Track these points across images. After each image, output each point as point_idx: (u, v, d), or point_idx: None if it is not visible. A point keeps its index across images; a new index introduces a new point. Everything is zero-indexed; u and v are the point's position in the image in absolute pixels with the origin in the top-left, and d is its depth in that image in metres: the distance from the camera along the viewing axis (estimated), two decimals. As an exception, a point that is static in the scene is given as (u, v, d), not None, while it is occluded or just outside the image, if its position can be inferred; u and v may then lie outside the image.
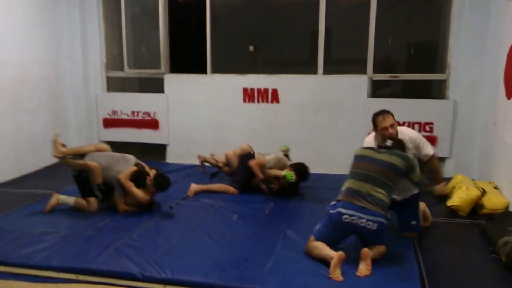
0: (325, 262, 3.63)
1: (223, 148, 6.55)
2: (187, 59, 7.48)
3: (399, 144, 4.15)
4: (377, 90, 6.80)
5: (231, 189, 5.66)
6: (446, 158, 6.42)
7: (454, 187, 5.12)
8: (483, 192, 4.87)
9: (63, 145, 4.98)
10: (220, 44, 7.33)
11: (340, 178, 5.78)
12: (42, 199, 5.29)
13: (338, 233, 3.78)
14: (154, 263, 3.71)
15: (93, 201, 4.93)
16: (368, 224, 3.60)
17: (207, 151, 6.83)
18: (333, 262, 3.48)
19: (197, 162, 6.69)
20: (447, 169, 6.40)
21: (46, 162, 6.88)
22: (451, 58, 6.30)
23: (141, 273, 3.56)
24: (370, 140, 4.45)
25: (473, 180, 5.41)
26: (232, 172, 5.96)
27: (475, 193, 4.82)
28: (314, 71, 6.78)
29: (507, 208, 4.68)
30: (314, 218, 4.78)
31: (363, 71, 6.63)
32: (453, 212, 4.88)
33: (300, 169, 5.43)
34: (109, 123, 7.59)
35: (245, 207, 5.13)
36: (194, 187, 5.61)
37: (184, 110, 7.26)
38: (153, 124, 7.40)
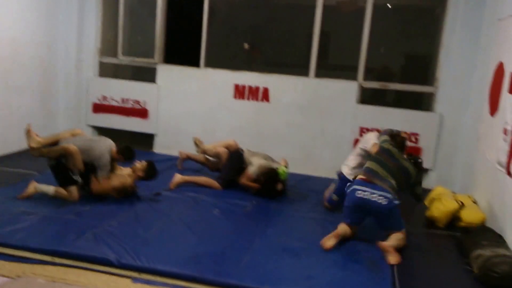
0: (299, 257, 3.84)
1: (211, 140, 6.57)
2: (181, 51, 7.49)
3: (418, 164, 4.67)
4: (373, 96, 6.90)
5: (215, 184, 5.68)
6: (430, 169, 6.52)
7: (433, 199, 5.21)
8: (461, 205, 4.96)
9: (37, 135, 4.83)
10: (216, 39, 7.36)
11: (324, 181, 5.97)
12: (24, 178, 5.29)
13: (355, 211, 4.18)
14: (131, 251, 3.72)
15: (74, 189, 4.78)
16: (379, 199, 4.03)
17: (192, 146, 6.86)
18: (333, 232, 3.93)
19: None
20: (430, 181, 6.49)
21: (31, 143, 6.85)
22: (440, 72, 6.39)
23: (117, 260, 3.58)
24: (373, 136, 4.97)
25: (453, 192, 5.50)
26: (218, 168, 5.98)
27: (453, 205, 4.91)
28: (307, 73, 6.85)
29: (483, 222, 4.77)
30: (295, 218, 4.90)
31: (356, 77, 6.70)
32: (431, 222, 4.97)
33: (266, 185, 5.47)
34: (98, 108, 7.57)
35: (227, 203, 5.17)
36: (177, 178, 5.60)
37: (174, 101, 7.27)
38: (142, 113, 7.40)
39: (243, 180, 5.58)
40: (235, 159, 5.78)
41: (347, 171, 5.07)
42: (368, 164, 4.37)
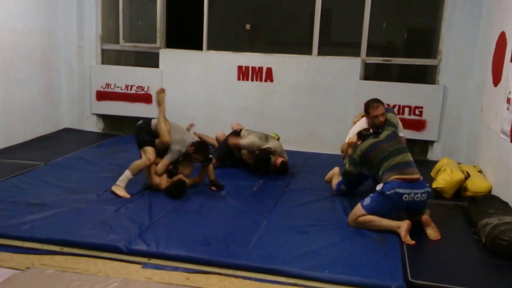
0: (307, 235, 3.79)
1: (215, 124, 6.63)
2: (183, 35, 7.49)
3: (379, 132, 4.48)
4: (377, 72, 6.90)
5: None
6: (435, 141, 6.56)
7: (439, 170, 5.26)
8: (467, 176, 5.01)
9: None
10: (217, 21, 7.34)
11: (330, 158, 6.02)
12: (30, 170, 5.32)
13: (392, 209, 4.16)
14: (140, 237, 3.75)
15: (150, 149, 4.82)
16: (422, 197, 4.03)
17: (200, 127, 6.87)
18: (404, 229, 3.86)
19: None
20: (435, 153, 6.56)
21: (35, 133, 6.90)
22: (443, 45, 6.39)
23: (126, 246, 3.58)
24: (363, 123, 4.79)
25: (458, 163, 5.55)
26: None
27: (459, 176, 4.96)
28: (310, 52, 6.85)
29: (489, 191, 4.83)
30: (302, 196, 4.94)
31: (359, 54, 6.70)
32: (437, 194, 5.01)
33: (257, 161, 5.52)
34: (102, 96, 7.59)
35: (234, 184, 5.20)
36: None
37: (178, 86, 7.28)
38: (146, 98, 7.42)
39: (232, 141, 5.66)
40: (231, 135, 5.90)
41: None
42: (391, 162, 4.17)
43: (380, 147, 4.33)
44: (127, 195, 4.66)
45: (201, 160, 4.94)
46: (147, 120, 5.09)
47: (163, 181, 4.87)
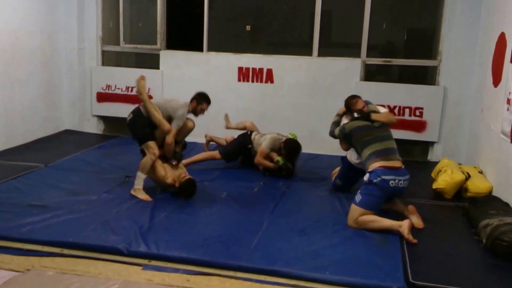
0: (308, 236, 3.79)
1: (216, 126, 6.62)
2: (184, 36, 7.50)
3: (367, 116, 4.57)
4: (377, 73, 6.90)
5: (216, 154, 5.75)
6: (435, 142, 6.57)
7: (440, 171, 5.26)
8: (468, 176, 5.01)
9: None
10: (217, 22, 7.35)
11: (331, 159, 6.02)
12: (30, 171, 5.32)
13: (383, 198, 4.22)
14: (140, 238, 3.74)
15: (152, 144, 4.73)
16: (404, 183, 4.18)
17: (200, 129, 6.85)
18: (406, 228, 3.91)
19: (188, 139, 6.73)
20: (436, 153, 6.56)
21: (36, 135, 6.90)
22: (443, 45, 6.39)
23: (126, 248, 3.57)
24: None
25: (459, 164, 5.55)
26: None
27: (460, 177, 4.96)
28: (310, 53, 6.85)
29: (490, 192, 4.83)
30: (303, 197, 4.94)
31: (360, 54, 6.71)
32: (438, 194, 5.02)
33: (289, 148, 5.51)
34: (102, 97, 7.60)
35: (234, 185, 5.20)
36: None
37: (178, 87, 7.27)
38: (147, 100, 7.41)
39: (258, 159, 5.59)
40: (241, 135, 5.91)
41: (354, 160, 4.85)
42: (375, 147, 4.30)
43: (370, 130, 4.44)
44: (149, 198, 4.64)
45: (206, 108, 5.09)
46: (137, 112, 4.87)
47: (168, 173, 4.81)
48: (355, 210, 4.14)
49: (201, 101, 5.04)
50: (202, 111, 5.07)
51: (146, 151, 4.77)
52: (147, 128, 4.81)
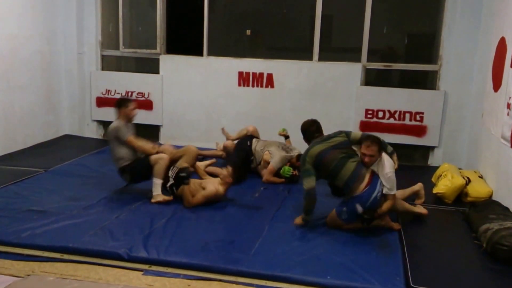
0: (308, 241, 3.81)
1: (216, 130, 6.61)
2: (184, 41, 7.50)
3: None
4: (378, 77, 6.91)
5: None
6: (435, 147, 6.56)
7: (440, 175, 5.25)
8: (468, 181, 5.01)
9: None
10: (217, 27, 7.36)
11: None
12: (30, 176, 5.31)
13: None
14: (141, 243, 3.73)
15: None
16: (379, 196, 4.09)
17: (201, 133, 6.92)
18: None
19: (186, 143, 6.71)
20: (436, 158, 6.56)
21: (35, 140, 6.89)
22: (443, 50, 6.40)
23: (127, 253, 3.57)
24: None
25: (459, 169, 5.55)
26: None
27: (460, 181, 4.96)
28: (311, 57, 6.86)
29: (490, 196, 4.83)
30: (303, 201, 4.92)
31: (360, 59, 6.71)
32: (438, 199, 5.01)
33: None
34: (102, 102, 7.59)
35: (235, 190, 5.15)
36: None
37: (178, 92, 7.30)
38: (147, 104, 7.42)
39: (267, 178, 5.56)
40: (239, 145, 5.85)
41: None
42: (344, 172, 4.15)
43: (331, 153, 4.22)
44: (169, 198, 4.72)
45: (134, 107, 5.04)
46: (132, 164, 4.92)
47: (213, 184, 4.80)
48: (335, 220, 4.22)
49: (123, 104, 4.99)
50: (133, 111, 5.01)
51: (154, 163, 4.77)
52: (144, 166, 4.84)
